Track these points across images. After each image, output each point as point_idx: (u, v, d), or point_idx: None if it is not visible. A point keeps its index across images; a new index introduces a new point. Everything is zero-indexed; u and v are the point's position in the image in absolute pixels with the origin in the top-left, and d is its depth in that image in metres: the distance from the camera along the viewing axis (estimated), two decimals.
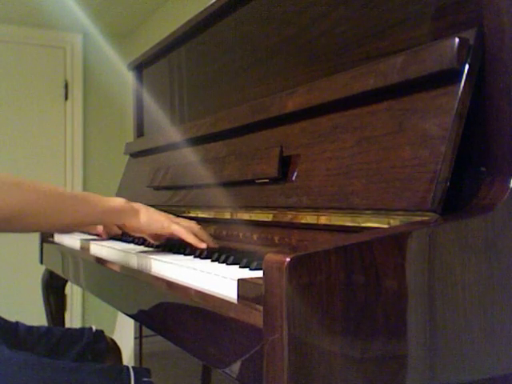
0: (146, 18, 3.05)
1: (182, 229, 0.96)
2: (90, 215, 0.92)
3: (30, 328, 1.24)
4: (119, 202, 0.94)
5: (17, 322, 1.24)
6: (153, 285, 0.85)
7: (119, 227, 1.01)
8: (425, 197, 0.64)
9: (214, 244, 0.99)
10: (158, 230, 0.97)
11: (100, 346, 1.27)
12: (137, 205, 0.97)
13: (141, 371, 1.00)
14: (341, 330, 0.53)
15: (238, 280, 0.65)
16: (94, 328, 1.31)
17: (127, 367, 1.00)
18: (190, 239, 0.95)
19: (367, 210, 0.72)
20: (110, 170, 3.18)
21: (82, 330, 1.30)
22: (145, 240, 1.16)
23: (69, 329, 1.33)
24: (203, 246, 0.94)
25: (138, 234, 1.00)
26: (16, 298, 3.04)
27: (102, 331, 1.32)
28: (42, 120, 3.24)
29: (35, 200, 0.84)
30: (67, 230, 1.14)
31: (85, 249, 1.26)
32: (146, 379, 0.99)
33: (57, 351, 1.21)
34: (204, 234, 1.00)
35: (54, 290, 1.67)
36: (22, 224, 0.85)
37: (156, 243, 1.07)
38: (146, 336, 1.83)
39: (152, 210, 0.99)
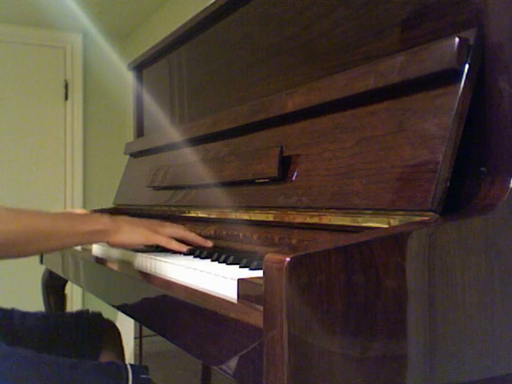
0: (146, 18, 3.05)
1: (163, 238, 0.99)
2: (75, 237, 0.96)
3: (26, 314, 1.24)
4: (103, 221, 0.97)
5: (12, 309, 1.24)
6: (153, 285, 0.85)
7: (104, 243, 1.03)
8: (425, 197, 0.64)
9: (203, 242, 1.02)
10: (142, 242, 1.00)
11: (98, 327, 1.28)
12: (119, 221, 1.00)
13: (139, 368, 1.01)
14: (341, 330, 0.53)
15: (238, 280, 0.65)
16: (90, 310, 1.32)
17: (125, 364, 1.01)
18: (172, 247, 0.98)
19: (367, 210, 0.72)
20: (109, 170, 3.18)
21: (79, 313, 1.31)
22: None
23: (65, 313, 1.33)
24: (184, 249, 0.97)
25: (122, 247, 1.02)
26: (16, 298, 3.04)
27: (99, 313, 1.32)
28: (42, 120, 3.24)
29: (20, 231, 0.89)
30: (58, 250, 1.20)
31: (85, 249, 1.26)
32: (143, 376, 0.99)
33: (53, 336, 1.21)
34: (190, 236, 1.02)
35: (53, 289, 1.67)
36: (9, 253, 0.91)
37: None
38: (146, 336, 1.84)
39: (135, 221, 1.02)
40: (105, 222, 0.97)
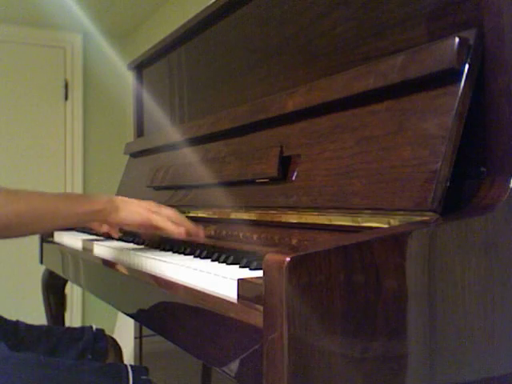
0: (146, 18, 3.05)
1: (159, 218, 0.99)
2: (75, 217, 0.98)
3: (30, 327, 1.24)
4: (102, 201, 0.98)
5: (17, 321, 1.25)
6: (153, 284, 0.85)
7: (102, 222, 1.05)
8: (425, 197, 0.64)
9: (196, 231, 1.02)
10: (138, 221, 1.01)
11: (100, 344, 1.28)
12: (117, 200, 1.01)
13: (139, 369, 1.01)
14: (341, 330, 0.53)
15: (238, 280, 0.65)
16: (94, 327, 1.32)
17: (125, 365, 1.01)
18: (168, 226, 0.99)
19: (367, 209, 0.72)
20: (109, 170, 3.18)
21: (82, 329, 1.31)
22: (145, 240, 1.17)
23: (69, 328, 1.33)
24: (181, 230, 0.98)
25: (120, 227, 1.03)
26: (16, 298, 3.04)
27: (102, 330, 1.33)
28: (42, 120, 3.24)
29: (21, 212, 0.91)
30: (58, 229, 1.22)
31: (85, 249, 1.26)
32: (144, 377, 1.00)
33: (57, 350, 1.21)
34: (185, 221, 1.02)
35: (53, 289, 1.67)
36: (11, 234, 0.93)
37: (147, 238, 1.11)
38: (146, 336, 1.84)
39: (132, 201, 1.03)
40: (103, 201, 0.99)
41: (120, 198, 1.04)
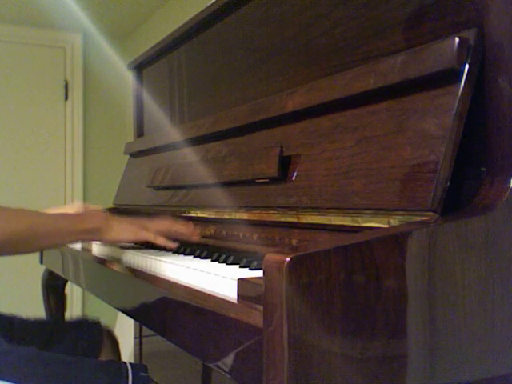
0: (146, 18, 3.05)
1: (151, 234, 1.03)
2: (72, 235, 1.01)
3: (25, 320, 1.26)
4: (97, 220, 1.02)
5: (12, 315, 1.26)
6: (153, 285, 0.85)
7: (97, 240, 1.08)
8: (425, 197, 0.64)
9: (190, 236, 1.06)
10: (131, 238, 1.04)
11: (95, 333, 1.29)
12: (111, 219, 1.05)
13: (138, 367, 1.02)
14: (341, 330, 0.53)
15: (238, 280, 0.65)
16: (89, 317, 1.33)
17: (125, 363, 1.02)
18: (159, 242, 1.02)
19: (367, 209, 0.72)
20: (110, 170, 3.18)
21: (77, 320, 1.32)
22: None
23: (65, 320, 1.34)
24: (172, 245, 1.02)
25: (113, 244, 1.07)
26: (16, 298, 3.04)
27: (98, 320, 1.34)
28: (42, 120, 3.24)
29: (22, 230, 0.93)
30: (55, 247, 1.26)
31: (85, 249, 1.26)
32: (143, 374, 1.00)
33: (52, 339, 1.22)
34: (176, 230, 1.06)
35: (53, 289, 1.67)
36: (10, 251, 0.95)
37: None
38: (146, 336, 1.84)
39: (125, 220, 1.07)
40: (99, 220, 1.02)
41: (113, 216, 1.09)
